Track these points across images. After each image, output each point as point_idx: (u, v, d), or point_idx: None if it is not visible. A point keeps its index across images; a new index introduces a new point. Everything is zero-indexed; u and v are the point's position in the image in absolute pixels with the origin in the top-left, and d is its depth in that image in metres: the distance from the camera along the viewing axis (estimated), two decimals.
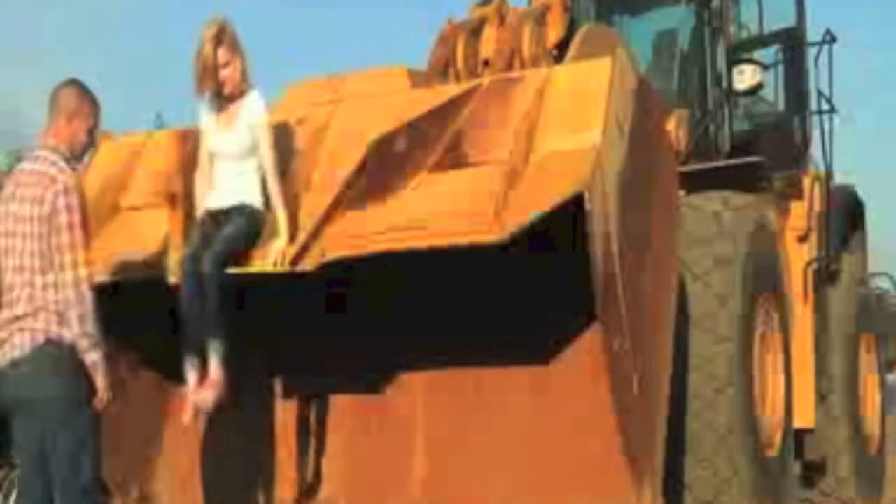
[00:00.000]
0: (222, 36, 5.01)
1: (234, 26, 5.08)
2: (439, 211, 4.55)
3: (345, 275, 4.79)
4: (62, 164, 4.46)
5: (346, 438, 5.56)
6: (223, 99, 5.12)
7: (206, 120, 5.21)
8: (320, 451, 5.58)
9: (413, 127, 4.85)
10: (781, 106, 8.20)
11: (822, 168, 8.13)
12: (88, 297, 4.34)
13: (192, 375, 4.95)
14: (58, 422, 4.33)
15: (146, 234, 5.32)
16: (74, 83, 4.64)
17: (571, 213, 4.23)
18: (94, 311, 4.35)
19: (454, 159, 4.79)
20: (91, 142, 4.68)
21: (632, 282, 4.60)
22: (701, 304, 5.82)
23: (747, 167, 7.04)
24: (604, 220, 4.37)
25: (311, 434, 5.61)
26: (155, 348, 5.36)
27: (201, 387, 4.90)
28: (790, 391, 6.68)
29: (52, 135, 4.54)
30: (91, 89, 4.64)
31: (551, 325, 5.10)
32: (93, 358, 4.34)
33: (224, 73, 5.03)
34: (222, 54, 5.00)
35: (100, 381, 4.38)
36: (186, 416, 5.01)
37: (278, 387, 5.75)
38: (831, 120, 7.99)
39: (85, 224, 4.39)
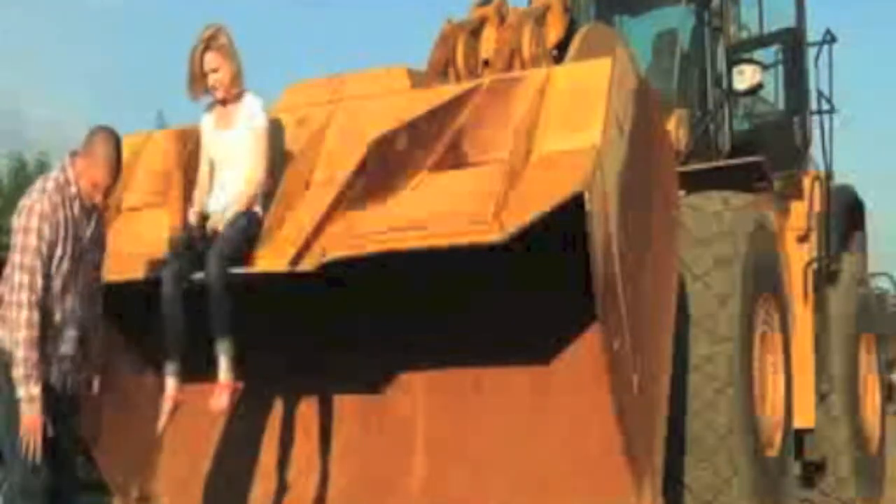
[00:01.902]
0: (212, 42, 5.14)
1: (227, 32, 5.20)
2: (439, 211, 4.55)
3: (345, 275, 4.78)
4: (47, 183, 4.58)
5: (346, 438, 5.56)
6: (219, 102, 5.22)
7: (205, 123, 5.28)
8: (320, 451, 5.57)
9: (413, 127, 4.85)
10: (781, 106, 8.20)
11: (822, 168, 8.14)
12: (25, 323, 4.38)
13: (170, 380, 4.98)
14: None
15: (146, 234, 5.32)
16: (113, 135, 4.73)
17: (571, 213, 4.23)
18: (33, 338, 4.39)
19: (454, 159, 4.79)
20: (92, 193, 4.68)
21: (632, 282, 4.60)
22: (701, 304, 5.83)
23: (747, 167, 7.04)
24: (604, 220, 4.37)
25: (311, 434, 5.60)
26: (155, 348, 5.35)
27: (213, 390, 4.92)
28: (790, 391, 6.68)
29: (70, 160, 4.66)
30: (121, 153, 4.74)
31: (551, 325, 5.09)
32: (19, 394, 4.40)
33: (214, 78, 5.15)
34: (211, 59, 5.13)
35: (25, 424, 4.40)
36: (161, 422, 5.02)
37: (278, 387, 5.74)
38: (831, 120, 8.01)
39: (38, 249, 4.44)
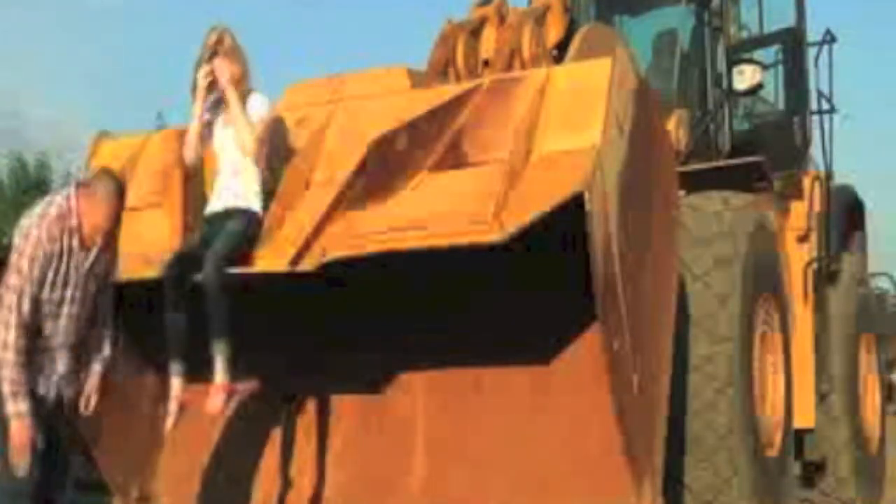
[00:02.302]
0: (218, 47, 5.15)
1: (232, 33, 5.21)
2: (439, 211, 4.55)
3: (345, 275, 4.78)
4: (50, 208, 4.62)
5: (346, 438, 5.56)
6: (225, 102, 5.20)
7: (216, 125, 5.29)
8: (320, 450, 5.57)
9: (413, 127, 4.85)
10: (781, 106, 8.20)
11: (822, 168, 8.14)
12: (11, 344, 4.45)
13: (175, 381, 4.99)
14: None
15: (146, 234, 5.32)
16: (117, 181, 4.80)
17: (571, 213, 4.23)
18: (17, 359, 4.44)
19: (454, 159, 4.79)
20: (92, 235, 4.71)
21: (632, 282, 4.59)
22: (701, 304, 5.82)
23: (747, 167, 7.04)
24: (604, 220, 4.37)
25: (311, 434, 5.60)
26: (155, 348, 5.36)
27: (209, 392, 4.91)
28: (790, 391, 6.68)
29: (75, 192, 4.68)
30: (123, 199, 4.80)
31: (551, 325, 5.09)
32: (7, 410, 4.45)
33: (222, 82, 5.13)
34: (218, 65, 5.12)
35: (12, 439, 4.44)
36: (170, 421, 5.02)
37: (278, 387, 5.74)
38: (831, 120, 8.01)
39: (29, 273, 4.49)
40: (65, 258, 4.62)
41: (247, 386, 5.04)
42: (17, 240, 4.59)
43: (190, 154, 5.28)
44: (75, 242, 4.65)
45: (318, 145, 5.19)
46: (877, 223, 9.88)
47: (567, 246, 4.36)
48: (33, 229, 4.56)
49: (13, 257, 4.54)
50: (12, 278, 4.52)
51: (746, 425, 5.83)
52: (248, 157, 5.11)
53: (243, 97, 5.19)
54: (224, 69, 5.12)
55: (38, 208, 4.68)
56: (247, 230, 4.99)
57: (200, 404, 4.99)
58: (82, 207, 4.67)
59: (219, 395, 4.89)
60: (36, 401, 4.53)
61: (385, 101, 5.20)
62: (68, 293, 4.65)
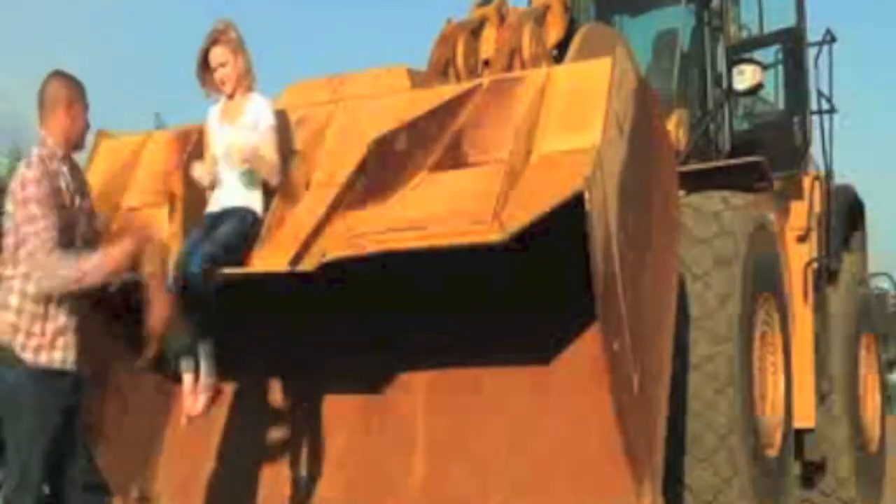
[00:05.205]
0: (220, 36, 5.13)
1: (236, 28, 5.18)
2: (439, 211, 4.55)
3: (345, 275, 4.78)
4: (33, 157, 4.50)
5: (346, 438, 5.56)
6: (227, 96, 5.20)
7: (211, 115, 5.28)
8: (320, 451, 5.58)
9: (413, 127, 4.85)
10: (781, 106, 8.20)
11: (822, 168, 8.14)
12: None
13: (187, 377, 4.95)
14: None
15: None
16: (58, 74, 4.65)
17: (571, 213, 4.23)
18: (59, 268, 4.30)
19: (454, 159, 4.79)
20: (87, 126, 4.68)
21: (632, 282, 4.59)
22: (701, 304, 5.83)
23: (747, 167, 7.04)
24: (604, 220, 4.37)
25: (311, 434, 5.61)
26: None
27: (194, 391, 4.90)
28: (790, 391, 6.68)
29: (45, 129, 4.57)
30: (73, 76, 4.67)
31: (551, 325, 5.10)
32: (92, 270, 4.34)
33: (222, 72, 5.13)
34: (219, 54, 5.11)
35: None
36: (184, 420, 5.01)
37: (278, 387, 5.75)
38: (831, 120, 8.01)
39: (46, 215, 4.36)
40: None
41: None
42: (18, 193, 4.42)
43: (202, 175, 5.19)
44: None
45: (318, 145, 5.19)
46: (877, 223, 9.89)
47: (567, 246, 4.36)
48: (30, 175, 4.37)
49: (18, 213, 4.39)
50: (27, 224, 4.35)
51: (746, 425, 5.83)
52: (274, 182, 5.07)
53: (244, 94, 5.17)
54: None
55: (21, 169, 4.49)
56: (245, 230, 4.98)
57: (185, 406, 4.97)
58: (72, 116, 4.53)
59: (203, 394, 4.88)
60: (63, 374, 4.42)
61: (385, 101, 5.20)
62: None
